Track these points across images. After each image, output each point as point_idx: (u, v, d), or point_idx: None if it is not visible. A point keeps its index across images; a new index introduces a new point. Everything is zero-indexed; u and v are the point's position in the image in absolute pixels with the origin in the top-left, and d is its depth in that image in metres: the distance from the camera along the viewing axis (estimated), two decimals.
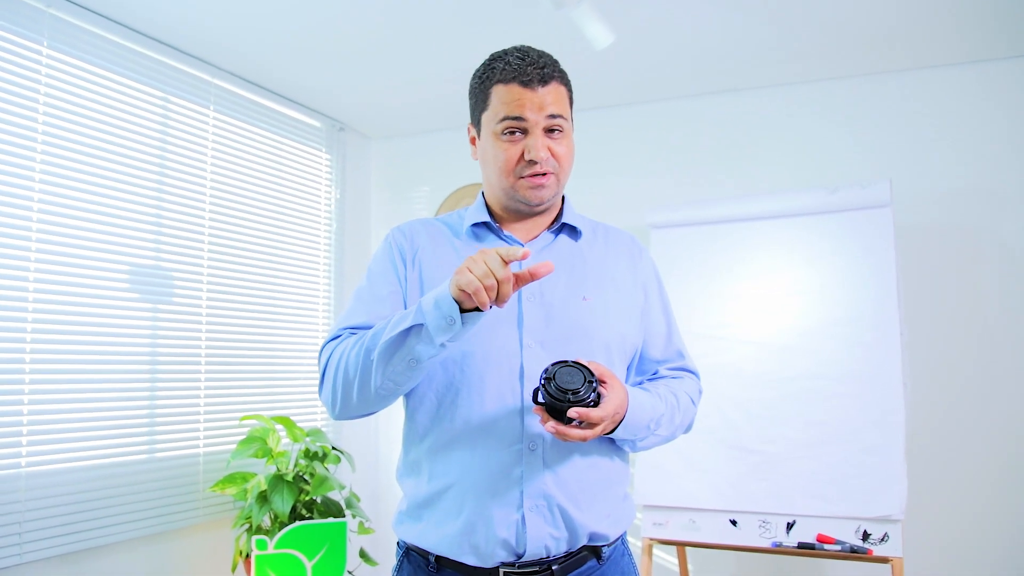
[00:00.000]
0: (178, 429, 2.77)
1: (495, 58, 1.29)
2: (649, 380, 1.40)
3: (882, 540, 2.35)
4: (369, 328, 1.23)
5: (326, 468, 2.82)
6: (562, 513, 1.22)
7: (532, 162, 1.25)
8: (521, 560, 1.22)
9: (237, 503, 2.87)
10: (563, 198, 1.40)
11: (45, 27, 2.37)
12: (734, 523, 2.55)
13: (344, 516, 2.76)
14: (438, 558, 1.25)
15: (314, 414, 3.44)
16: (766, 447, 2.55)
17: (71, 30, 2.46)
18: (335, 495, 2.91)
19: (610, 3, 2.45)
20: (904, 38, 2.77)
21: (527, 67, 1.24)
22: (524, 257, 1.05)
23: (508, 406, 1.22)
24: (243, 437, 2.81)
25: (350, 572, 2.65)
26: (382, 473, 3.73)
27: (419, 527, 1.27)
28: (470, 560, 1.22)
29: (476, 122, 1.33)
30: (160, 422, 2.70)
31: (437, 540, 1.24)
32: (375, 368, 1.15)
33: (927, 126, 2.98)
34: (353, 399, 1.20)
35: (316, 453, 2.85)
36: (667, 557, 3.12)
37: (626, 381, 1.36)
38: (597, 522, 1.26)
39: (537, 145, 1.25)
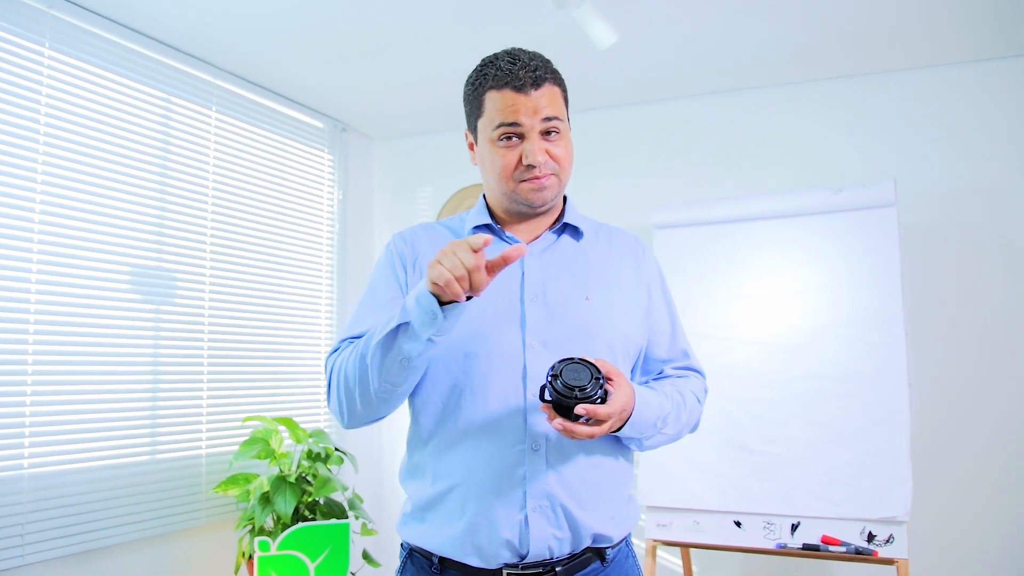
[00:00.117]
0: (181, 430, 2.77)
1: (486, 63, 1.28)
2: (655, 379, 1.40)
3: (887, 541, 2.34)
4: None
5: (329, 469, 2.82)
6: (565, 513, 1.22)
7: (531, 167, 1.25)
8: (524, 561, 1.21)
9: (240, 504, 2.87)
10: (564, 198, 1.39)
11: (47, 28, 2.38)
12: (738, 524, 2.54)
13: (347, 517, 2.76)
14: (441, 559, 1.25)
15: (317, 415, 3.44)
16: (770, 448, 2.55)
17: (73, 31, 2.46)
18: (338, 496, 2.91)
19: (611, 3, 2.44)
20: (906, 37, 2.76)
21: (519, 71, 1.23)
22: (487, 244, 1.04)
23: (511, 406, 1.22)
24: (246, 438, 2.81)
25: (353, 574, 2.65)
26: (385, 474, 3.72)
27: (422, 528, 1.27)
28: (473, 561, 1.22)
29: (473, 128, 1.33)
30: (163, 423, 2.70)
31: (440, 541, 1.24)
32: (371, 371, 1.16)
33: (930, 125, 2.98)
34: (357, 406, 1.21)
35: (319, 454, 2.85)
36: (671, 559, 3.11)
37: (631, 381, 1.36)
38: (601, 523, 1.25)
39: (534, 150, 1.24)
